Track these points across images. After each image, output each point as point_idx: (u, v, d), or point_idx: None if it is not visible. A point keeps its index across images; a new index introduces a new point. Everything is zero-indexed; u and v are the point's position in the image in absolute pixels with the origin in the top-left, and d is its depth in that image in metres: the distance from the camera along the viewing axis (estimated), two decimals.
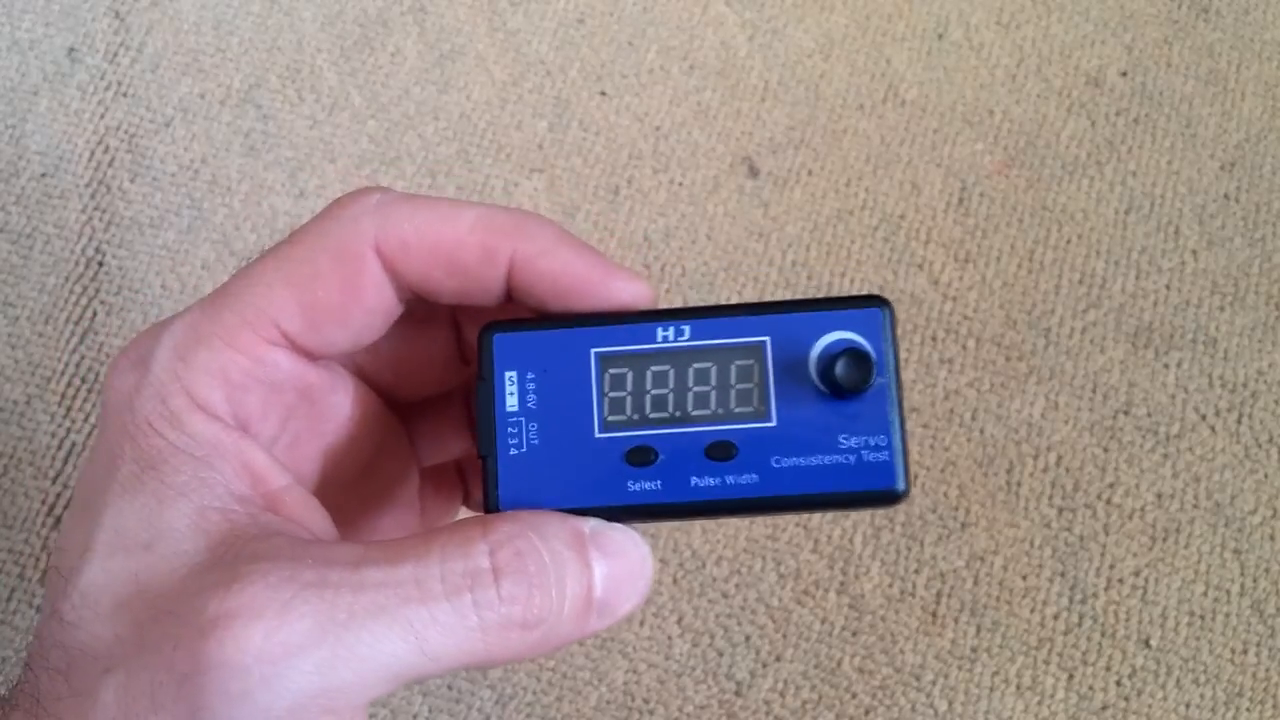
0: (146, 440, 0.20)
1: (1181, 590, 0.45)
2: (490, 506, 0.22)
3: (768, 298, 0.50)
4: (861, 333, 0.22)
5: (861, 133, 0.54)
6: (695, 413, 0.22)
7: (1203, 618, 0.44)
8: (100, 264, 0.50)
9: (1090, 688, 0.43)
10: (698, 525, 0.45)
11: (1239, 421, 0.48)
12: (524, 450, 0.22)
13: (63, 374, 0.47)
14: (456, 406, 0.27)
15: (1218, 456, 0.47)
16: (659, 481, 0.22)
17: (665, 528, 0.45)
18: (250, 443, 0.21)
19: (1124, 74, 0.56)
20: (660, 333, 0.23)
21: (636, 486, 0.22)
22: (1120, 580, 0.45)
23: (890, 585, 0.44)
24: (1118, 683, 0.43)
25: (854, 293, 0.24)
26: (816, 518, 0.45)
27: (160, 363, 0.21)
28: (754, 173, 0.53)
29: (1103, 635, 0.44)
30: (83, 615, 0.19)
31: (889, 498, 0.22)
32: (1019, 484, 0.46)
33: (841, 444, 0.22)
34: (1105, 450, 0.47)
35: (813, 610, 0.44)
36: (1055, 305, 0.50)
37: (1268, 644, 0.44)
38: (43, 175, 0.51)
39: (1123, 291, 0.51)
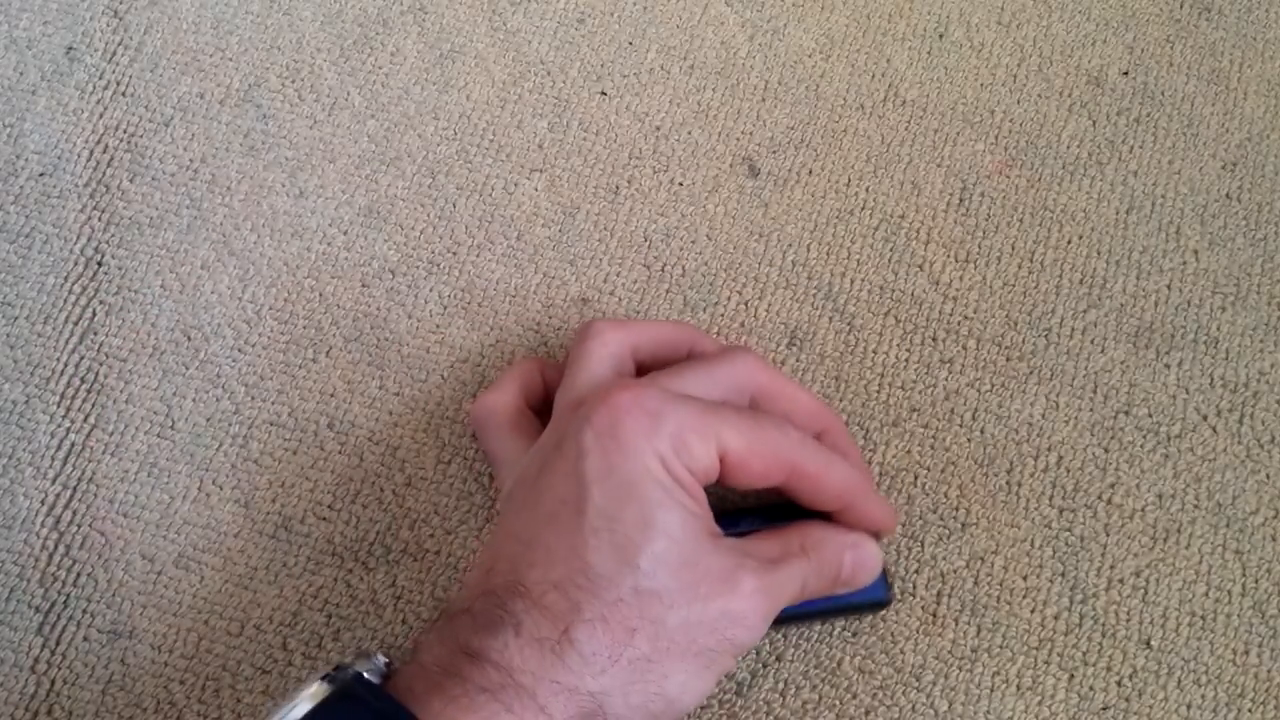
0: (661, 468, 0.33)
1: (1183, 591, 0.45)
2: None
3: (767, 299, 0.50)
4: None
5: (862, 133, 0.54)
6: None
7: (1204, 618, 0.44)
8: (100, 264, 0.49)
9: (1091, 688, 0.43)
10: None
11: (1240, 422, 0.48)
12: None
13: (62, 374, 0.47)
14: None
15: (1219, 457, 0.47)
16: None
17: None
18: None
19: (1125, 73, 0.56)
20: (744, 523, 0.39)
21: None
22: (1121, 580, 0.45)
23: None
24: (1119, 683, 0.43)
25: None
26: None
27: (671, 420, 0.34)
28: (754, 173, 0.53)
29: (1103, 636, 0.44)
30: (654, 569, 0.32)
31: (880, 604, 0.41)
32: (1019, 484, 0.46)
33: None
34: (1106, 450, 0.47)
35: None
36: (1056, 305, 0.50)
37: (1269, 645, 0.44)
38: (41, 175, 0.51)
39: (1124, 291, 0.51)
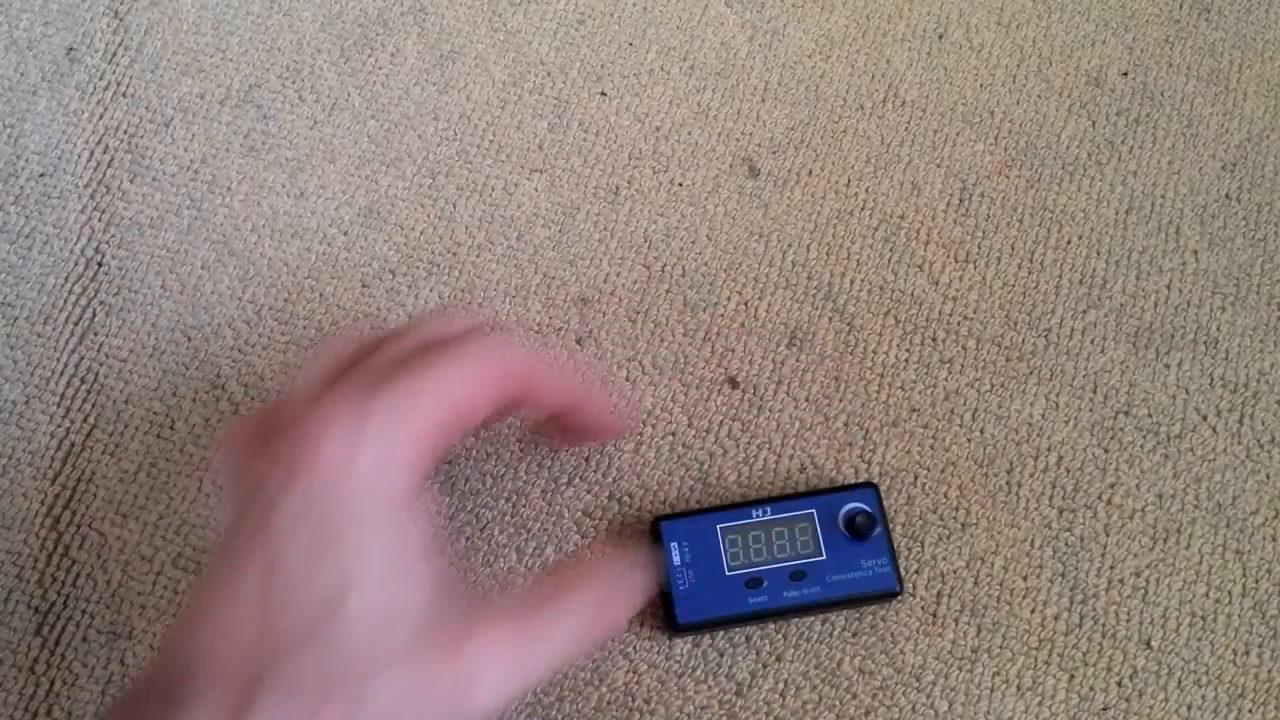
0: (378, 489, 0.28)
1: (1183, 591, 0.45)
2: (672, 622, 0.40)
3: (767, 299, 0.50)
4: (866, 502, 0.42)
5: (861, 133, 0.54)
6: (779, 555, 0.40)
7: (1204, 619, 0.44)
8: (100, 264, 0.49)
9: (1091, 688, 0.43)
10: None
11: (1240, 422, 0.48)
12: (687, 586, 0.40)
13: (62, 374, 0.47)
14: None
15: (1219, 457, 0.47)
16: (765, 596, 0.40)
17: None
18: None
19: (1125, 74, 0.56)
20: (754, 512, 0.41)
21: (754, 600, 0.40)
22: (1121, 581, 0.45)
23: None
24: (1119, 683, 0.43)
25: (858, 480, 0.45)
26: None
27: (379, 425, 0.29)
28: (754, 173, 0.53)
29: (1104, 636, 0.44)
30: (355, 632, 0.27)
31: (890, 595, 0.41)
32: (1019, 484, 0.46)
33: (862, 565, 0.41)
34: (1106, 451, 0.47)
35: None
36: (1056, 306, 0.50)
37: (1270, 645, 0.44)
38: (42, 175, 0.51)
39: (1123, 292, 0.51)
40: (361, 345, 0.32)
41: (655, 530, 0.41)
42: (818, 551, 0.40)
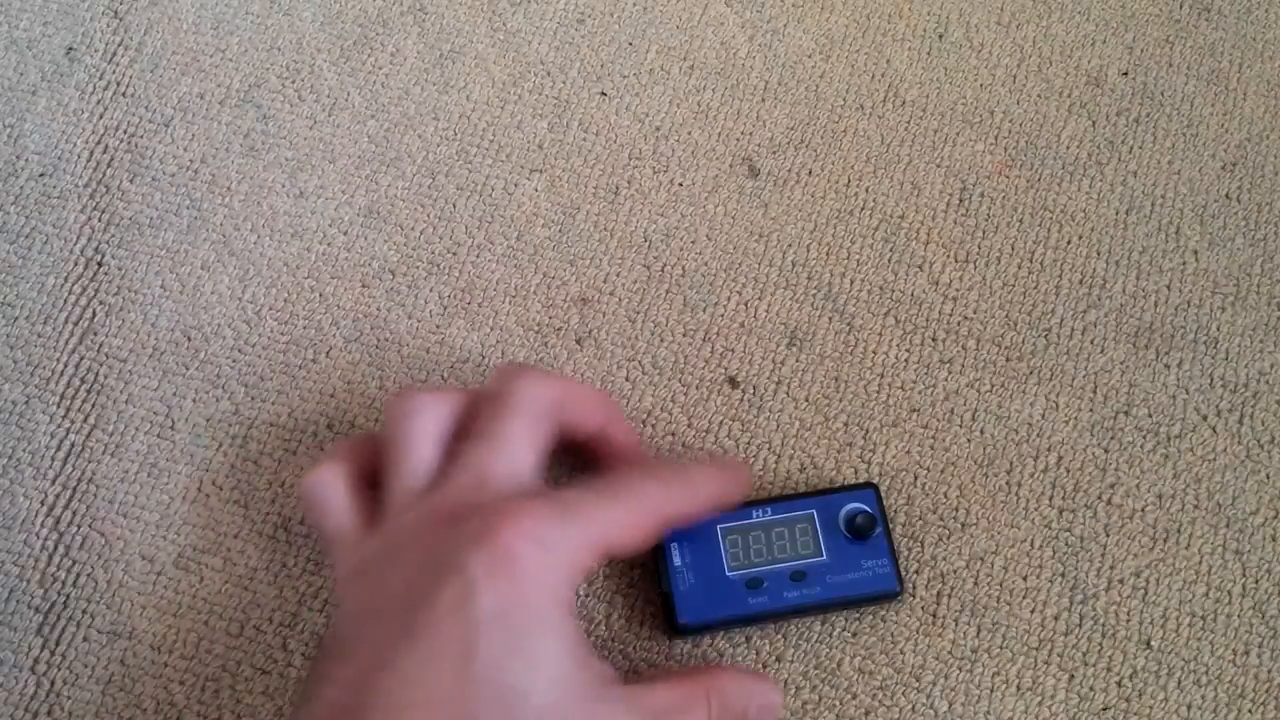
0: (557, 598, 0.32)
1: (1183, 591, 0.45)
2: (673, 623, 0.40)
3: (767, 299, 0.50)
4: (866, 503, 0.42)
5: (861, 133, 0.54)
6: (779, 555, 0.40)
7: (1204, 619, 0.44)
8: (100, 264, 0.49)
9: (1091, 689, 0.43)
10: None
11: (1240, 422, 0.48)
12: (687, 588, 0.40)
13: (62, 374, 0.47)
14: None
15: (1219, 457, 0.47)
16: (766, 597, 0.40)
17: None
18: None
19: (1125, 74, 0.56)
20: (755, 512, 0.41)
21: (754, 601, 0.40)
22: (1121, 581, 0.45)
23: None
24: (1119, 684, 0.43)
25: (858, 480, 0.45)
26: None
27: (563, 547, 0.33)
28: (754, 173, 0.53)
29: (1103, 636, 0.44)
30: (535, 717, 0.30)
31: (890, 596, 0.41)
32: (1019, 484, 0.46)
33: (863, 566, 0.41)
34: (1106, 451, 0.47)
35: None
36: (1056, 306, 0.50)
37: (1270, 645, 0.44)
38: (41, 175, 0.51)
39: (1123, 292, 0.51)
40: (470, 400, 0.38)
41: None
42: (818, 552, 0.40)
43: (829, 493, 0.42)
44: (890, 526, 0.43)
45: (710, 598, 0.39)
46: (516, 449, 0.35)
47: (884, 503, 0.43)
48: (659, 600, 0.41)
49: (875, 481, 0.45)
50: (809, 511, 0.41)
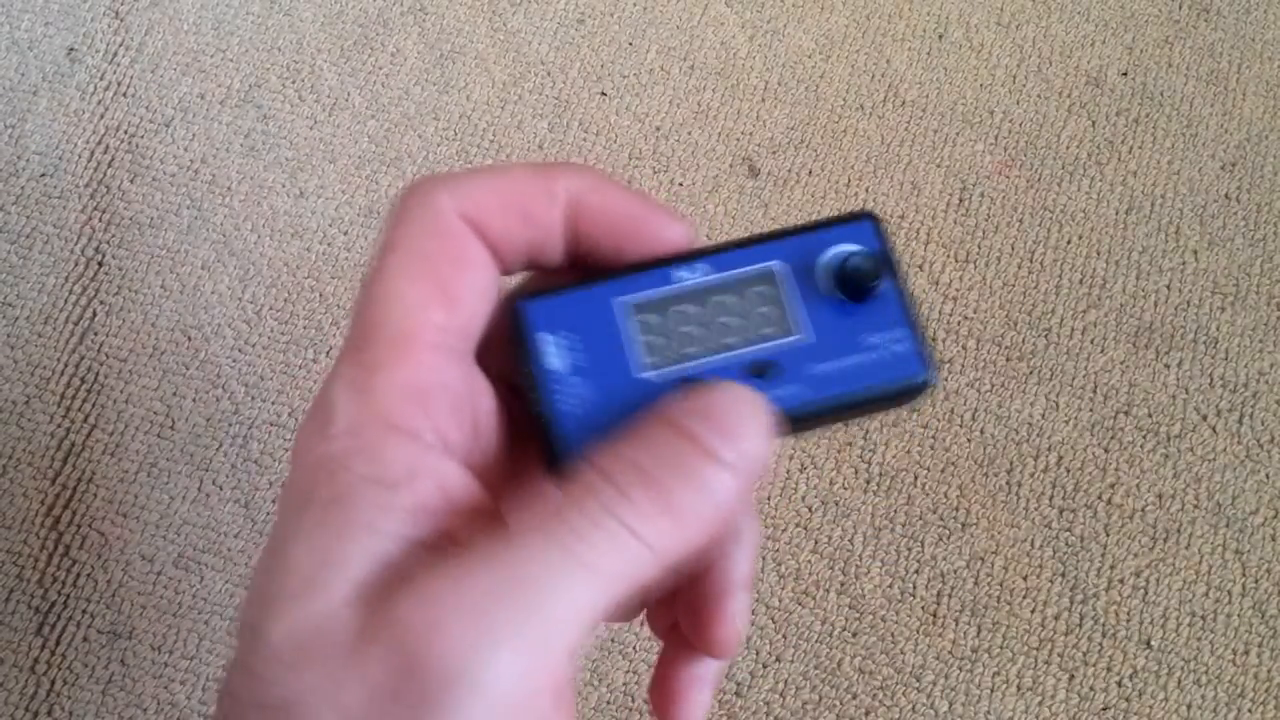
0: (333, 478, 0.19)
1: (1183, 591, 0.45)
2: (555, 460, 0.23)
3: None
4: (861, 240, 0.24)
5: (861, 133, 0.54)
6: (727, 340, 0.23)
7: (1204, 618, 0.44)
8: (100, 264, 0.49)
9: (1091, 688, 0.43)
10: None
11: (1240, 422, 0.48)
12: (575, 404, 0.23)
13: (62, 374, 0.47)
14: None
15: (1219, 457, 0.47)
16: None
17: None
18: (446, 460, 0.20)
19: (1125, 74, 0.56)
20: (676, 274, 0.24)
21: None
22: (1121, 581, 0.45)
23: (890, 585, 0.44)
24: (1119, 683, 0.43)
25: (842, 212, 0.28)
26: (816, 518, 0.45)
27: (341, 403, 0.20)
28: (754, 173, 0.53)
29: (1104, 636, 0.44)
30: (273, 670, 0.18)
31: (918, 388, 0.24)
32: (1019, 484, 0.46)
33: (866, 342, 0.24)
34: (1106, 450, 0.47)
35: (813, 611, 0.43)
36: (1056, 305, 0.50)
37: (1269, 645, 0.44)
38: (42, 175, 0.51)
39: (1123, 291, 0.51)
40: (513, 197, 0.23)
41: (516, 316, 0.23)
42: (789, 328, 0.24)
43: (800, 232, 0.25)
44: (902, 275, 0.25)
45: (614, 417, 0.23)
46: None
47: (888, 240, 0.25)
48: (534, 426, 0.24)
49: (871, 222, 0.25)
50: (768, 265, 0.24)
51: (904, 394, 0.24)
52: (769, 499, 0.45)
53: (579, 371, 0.23)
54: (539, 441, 0.23)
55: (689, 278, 0.24)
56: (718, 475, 0.20)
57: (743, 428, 0.21)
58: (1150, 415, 0.48)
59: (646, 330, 0.24)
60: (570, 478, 0.20)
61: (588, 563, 0.18)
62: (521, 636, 0.18)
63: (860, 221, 0.24)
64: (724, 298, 0.24)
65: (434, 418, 0.20)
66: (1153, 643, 0.44)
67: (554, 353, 0.23)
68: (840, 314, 0.24)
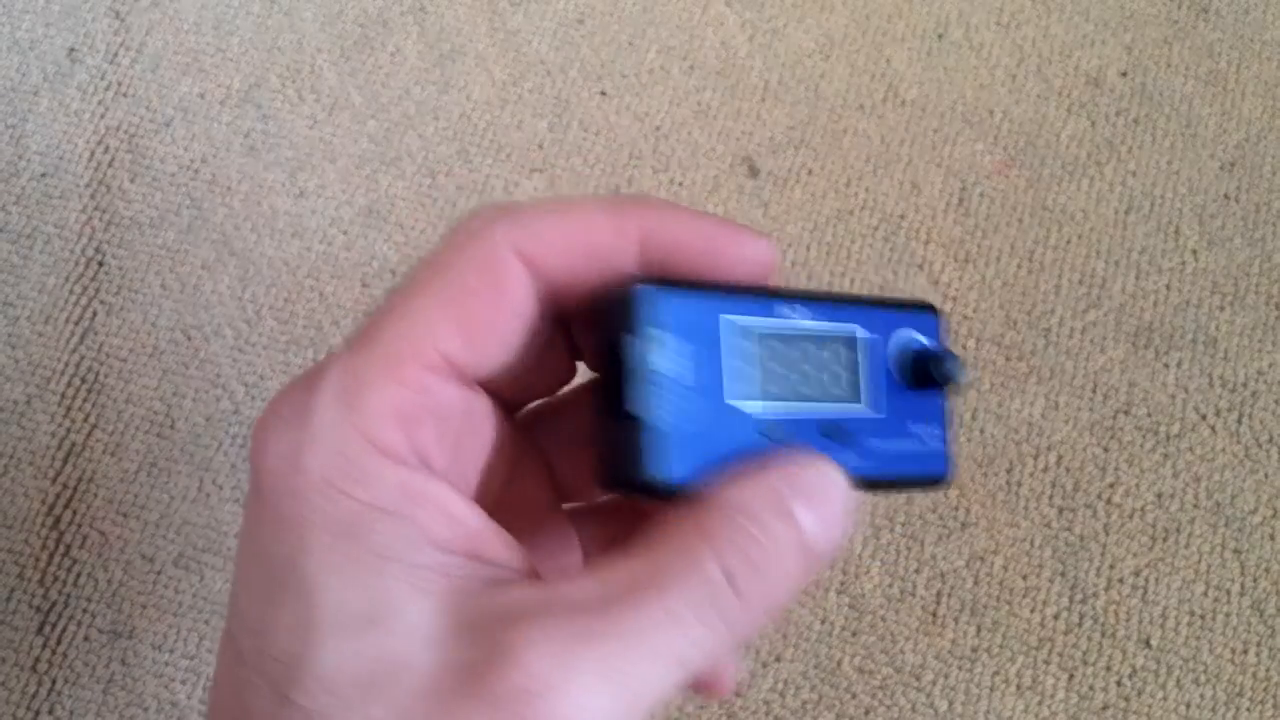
0: (334, 503, 0.18)
1: (1182, 590, 0.45)
2: (656, 479, 0.20)
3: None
4: (923, 332, 0.25)
5: (861, 133, 0.54)
6: (805, 390, 0.23)
7: (1203, 618, 0.44)
8: (100, 264, 0.50)
9: (1091, 688, 0.43)
10: None
11: (1239, 421, 0.48)
12: (675, 417, 0.21)
13: (63, 374, 0.47)
14: (566, 414, 0.26)
15: (1218, 456, 0.47)
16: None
17: None
18: (440, 484, 0.19)
19: (1124, 74, 0.56)
20: (778, 308, 0.23)
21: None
22: (1120, 580, 0.45)
23: (890, 585, 0.44)
24: (1118, 683, 0.43)
25: (918, 297, 0.29)
26: None
27: (326, 412, 0.18)
28: (754, 173, 0.53)
29: (1103, 635, 0.44)
30: (326, 704, 0.17)
31: (939, 482, 0.25)
32: (1019, 484, 0.46)
33: (912, 430, 0.24)
34: (1105, 450, 0.47)
35: (813, 610, 0.44)
36: (1055, 305, 0.50)
37: (1268, 644, 0.44)
38: (43, 175, 0.51)
39: (1123, 291, 0.51)
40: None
41: (626, 301, 0.21)
42: (861, 398, 0.24)
43: (877, 304, 0.25)
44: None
45: (706, 444, 0.21)
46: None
47: (946, 338, 0.26)
48: (605, 426, 0.21)
49: (933, 304, 0.26)
50: (852, 329, 0.24)
51: (928, 484, 0.25)
52: None
53: (681, 380, 0.21)
54: (609, 443, 0.21)
55: (789, 316, 0.23)
56: (803, 581, 0.20)
57: (842, 532, 0.21)
58: (1150, 415, 0.48)
59: (744, 357, 0.22)
60: (677, 541, 0.19)
61: (685, 660, 0.18)
62: (621, 706, 0.17)
63: (925, 312, 0.25)
64: (810, 347, 0.23)
65: (416, 443, 0.19)
66: (1152, 642, 0.44)
67: (663, 353, 0.21)
68: (898, 397, 0.24)
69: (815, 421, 0.23)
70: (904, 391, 0.24)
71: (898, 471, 0.24)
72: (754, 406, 0.22)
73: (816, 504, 0.20)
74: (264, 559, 0.19)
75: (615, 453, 0.21)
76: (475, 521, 0.19)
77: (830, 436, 0.23)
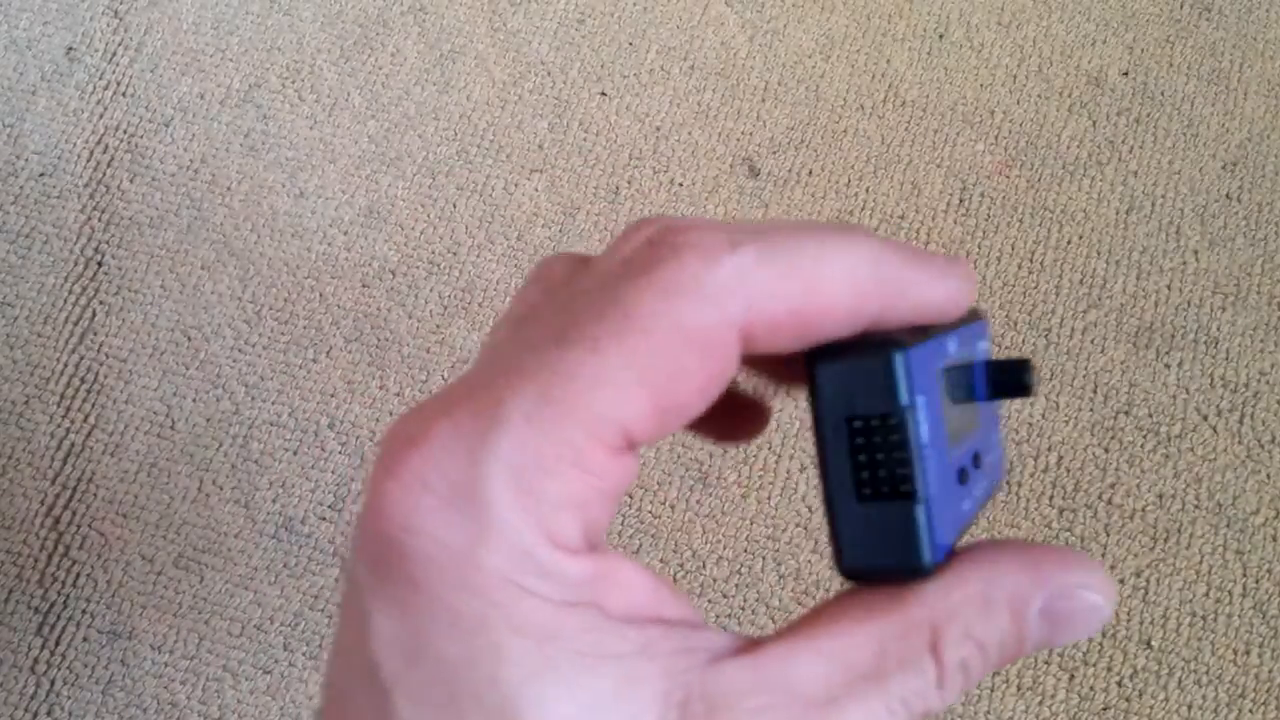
0: (520, 604, 0.16)
1: (1183, 591, 0.45)
2: (930, 562, 0.18)
3: None
4: (986, 340, 0.22)
5: (862, 133, 0.54)
6: (956, 427, 0.20)
7: (1204, 618, 0.44)
8: (100, 264, 0.49)
9: (1091, 688, 0.43)
10: (698, 524, 0.45)
11: (1241, 422, 0.48)
12: (934, 489, 0.18)
13: (62, 374, 0.47)
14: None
15: (1219, 457, 0.47)
16: (970, 502, 0.20)
17: (667, 527, 0.45)
18: (611, 559, 0.17)
19: (1125, 74, 0.56)
20: (948, 344, 0.20)
21: (965, 506, 0.19)
22: (1121, 580, 0.45)
23: None
24: (1119, 683, 0.43)
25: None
26: (817, 518, 0.45)
27: (503, 501, 0.16)
28: (754, 173, 0.53)
29: (1104, 636, 0.44)
30: None
31: (1000, 485, 0.22)
32: (1019, 484, 0.46)
33: (995, 440, 0.22)
34: (1106, 450, 0.47)
35: None
36: (1056, 305, 0.50)
37: (1270, 645, 0.44)
38: (41, 175, 0.51)
39: (1124, 292, 0.51)
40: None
41: (884, 371, 0.18)
42: (977, 420, 0.22)
43: (962, 323, 0.21)
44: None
45: (947, 504, 0.19)
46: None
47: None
48: (851, 510, 0.19)
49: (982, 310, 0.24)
50: (971, 350, 0.21)
51: (997, 491, 0.22)
52: (769, 498, 0.45)
53: (933, 446, 0.18)
54: (861, 528, 0.19)
55: (953, 352, 0.20)
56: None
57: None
58: (1150, 415, 0.48)
59: (946, 403, 0.19)
60: (899, 620, 0.17)
61: None
62: None
63: (980, 320, 0.22)
64: (953, 378, 0.20)
65: (589, 524, 0.17)
66: (1153, 643, 0.44)
67: (924, 421, 0.18)
68: (985, 410, 0.22)
69: (970, 453, 0.20)
70: (984, 403, 0.21)
71: (993, 484, 0.22)
72: (949, 453, 0.19)
73: (1062, 631, 0.18)
74: (435, 663, 0.16)
75: (873, 538, 0.18)
76: (649, 583, 0.17)
77: (977, 465, 0.21)
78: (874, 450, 0.18)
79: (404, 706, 0.16)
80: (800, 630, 0.17)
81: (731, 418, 0.22)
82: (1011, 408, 0.48)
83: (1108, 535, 0.45)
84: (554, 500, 0.16)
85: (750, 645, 0.17)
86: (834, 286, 0.18)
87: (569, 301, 0.18)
